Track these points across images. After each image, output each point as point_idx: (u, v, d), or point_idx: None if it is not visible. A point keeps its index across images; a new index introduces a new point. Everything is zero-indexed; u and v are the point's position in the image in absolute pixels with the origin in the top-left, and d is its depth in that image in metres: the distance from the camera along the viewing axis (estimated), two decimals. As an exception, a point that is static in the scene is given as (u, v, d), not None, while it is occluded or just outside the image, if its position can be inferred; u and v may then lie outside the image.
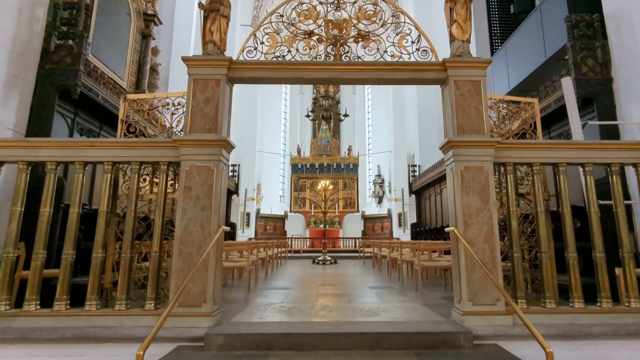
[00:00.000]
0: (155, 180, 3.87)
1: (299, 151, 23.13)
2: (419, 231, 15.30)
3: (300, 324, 3.47)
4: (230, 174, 17.28)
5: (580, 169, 3.91)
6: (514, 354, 2.94)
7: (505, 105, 4.18)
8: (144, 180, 3.84)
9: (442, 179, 13.49)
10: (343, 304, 4.50)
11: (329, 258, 11.86)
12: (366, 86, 25.94)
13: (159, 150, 3.61)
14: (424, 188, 15.90)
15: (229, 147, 3.70)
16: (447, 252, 7.00)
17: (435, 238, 12.46)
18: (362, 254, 13.34)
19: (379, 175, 22.81)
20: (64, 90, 4.87)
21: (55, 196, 3.55)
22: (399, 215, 19.32)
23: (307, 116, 14.38)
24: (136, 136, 3.90)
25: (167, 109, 3.94)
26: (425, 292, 5.44)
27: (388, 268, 8.07)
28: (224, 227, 3.44)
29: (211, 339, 3.00)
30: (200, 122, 3.61)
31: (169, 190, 3.72)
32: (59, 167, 3.65)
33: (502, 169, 3.83)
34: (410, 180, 17.95)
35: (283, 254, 12.14)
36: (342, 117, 15.48)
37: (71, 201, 3.50)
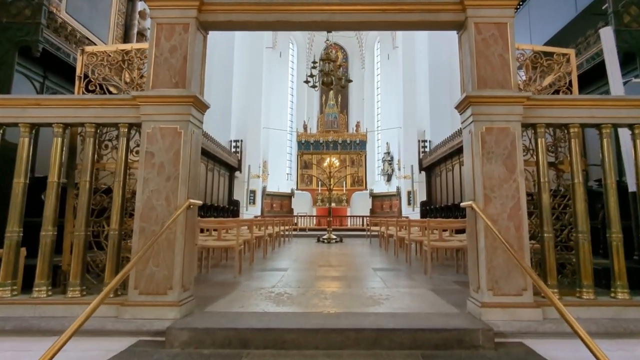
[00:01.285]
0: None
1: (305, 127, 22.38)
2: (428, 209, 14.70)
3: (284, 316, 2.93)
4: (233, 150, 16.73)
5: (624, 132, 3.23)
6: (544, 356, 2.37)
7: (534, 58, 3.46)
8: (106, 146, 3.27)
9: (454, 153, 12.74)
10: (341, 290, 3.96)
11: (334, 237, 11.35)
12: (375, 59, 24.83)
13: (117, 110, 3.01)
14: (435, 164, 15.17)
15: (201, 105, 3.09)
16: (459, 232, 6.39)
17: (445, 216, 11.84)
18: (369, 233, 12.82)
19: (388, 153, 22.07)
20: (25, 47, 4.28)
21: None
22: (408, 193, 18.69)
23: (306, 82, 13.49)
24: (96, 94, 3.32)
25: (132, 62, 3.33)
26: (434, 275, 4.88)
27: (395, 248, 7.51)
28: (193, 201, 2.87)
29: (174, 334, 2.48)
30: (165, 75, 2.99)
31: (134, 159, 3.17)
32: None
33: (530, 132, 3.16)
34: (421, 157, 17.21)
35: (287, 232, 11.67)
36: (344, 82, 14.53)
37: (15, 170, 2.96)
